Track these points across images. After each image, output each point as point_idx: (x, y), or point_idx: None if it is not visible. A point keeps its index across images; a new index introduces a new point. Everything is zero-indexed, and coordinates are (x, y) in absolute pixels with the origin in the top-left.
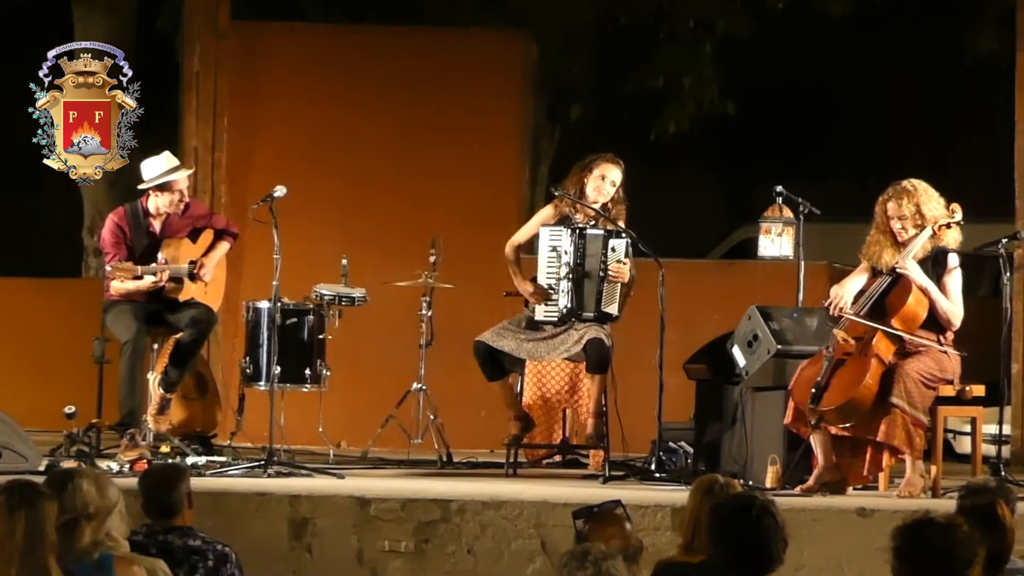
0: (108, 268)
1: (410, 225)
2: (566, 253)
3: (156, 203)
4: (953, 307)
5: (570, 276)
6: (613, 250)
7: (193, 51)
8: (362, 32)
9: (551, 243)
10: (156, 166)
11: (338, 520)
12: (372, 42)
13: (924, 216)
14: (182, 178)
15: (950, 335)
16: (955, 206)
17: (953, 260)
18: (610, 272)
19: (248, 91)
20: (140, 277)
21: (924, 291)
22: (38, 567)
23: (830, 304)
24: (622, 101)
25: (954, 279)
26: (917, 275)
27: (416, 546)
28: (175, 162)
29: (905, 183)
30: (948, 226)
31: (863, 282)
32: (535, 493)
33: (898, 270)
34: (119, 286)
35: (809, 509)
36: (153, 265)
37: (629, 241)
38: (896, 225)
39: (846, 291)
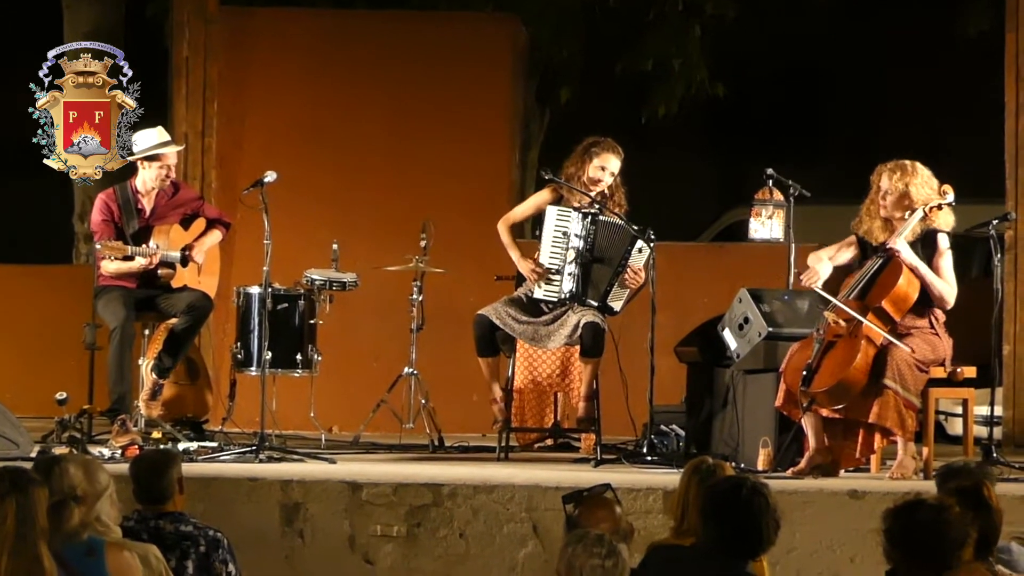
0: (97, 246)
1: (400, 209)
2: (576, 237)
3: (144, 177)
4: (946, 285)
5: (578, 260)
6: (640, 251)
7: (182, 37)
8: (351, 17)
9: (558, 225)
10: (148, 138)
11: (330, 505)
12: (361, 27)
13: (910, 197)
14: (171, 153)
15: (942, 316)
16: (946, 187)
17: (943, 241)
18: (626, 276)
19: (237, 77)
20: (131, 258)
21: (914, 271)
22: (29, 554)
23: (802, 276)
24: (612, 84)
25: (945, 259)
26: (908, 255)
27: (408, 530)
28: (167, 137)
29: (906, 161)
30: (940, 207)
31: (847, 257)
32: (527, 477)
33: (890, 247)
34: (110, 266)
35: (801, 491)
36: (144, 247)
37: (652, 249)
38: (880, 198)
39: (822, 267)
